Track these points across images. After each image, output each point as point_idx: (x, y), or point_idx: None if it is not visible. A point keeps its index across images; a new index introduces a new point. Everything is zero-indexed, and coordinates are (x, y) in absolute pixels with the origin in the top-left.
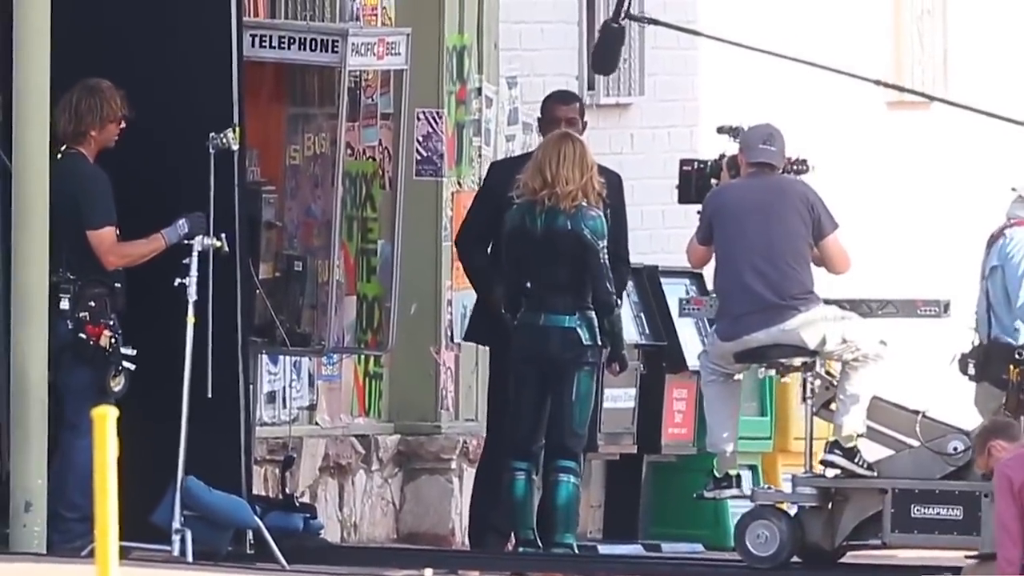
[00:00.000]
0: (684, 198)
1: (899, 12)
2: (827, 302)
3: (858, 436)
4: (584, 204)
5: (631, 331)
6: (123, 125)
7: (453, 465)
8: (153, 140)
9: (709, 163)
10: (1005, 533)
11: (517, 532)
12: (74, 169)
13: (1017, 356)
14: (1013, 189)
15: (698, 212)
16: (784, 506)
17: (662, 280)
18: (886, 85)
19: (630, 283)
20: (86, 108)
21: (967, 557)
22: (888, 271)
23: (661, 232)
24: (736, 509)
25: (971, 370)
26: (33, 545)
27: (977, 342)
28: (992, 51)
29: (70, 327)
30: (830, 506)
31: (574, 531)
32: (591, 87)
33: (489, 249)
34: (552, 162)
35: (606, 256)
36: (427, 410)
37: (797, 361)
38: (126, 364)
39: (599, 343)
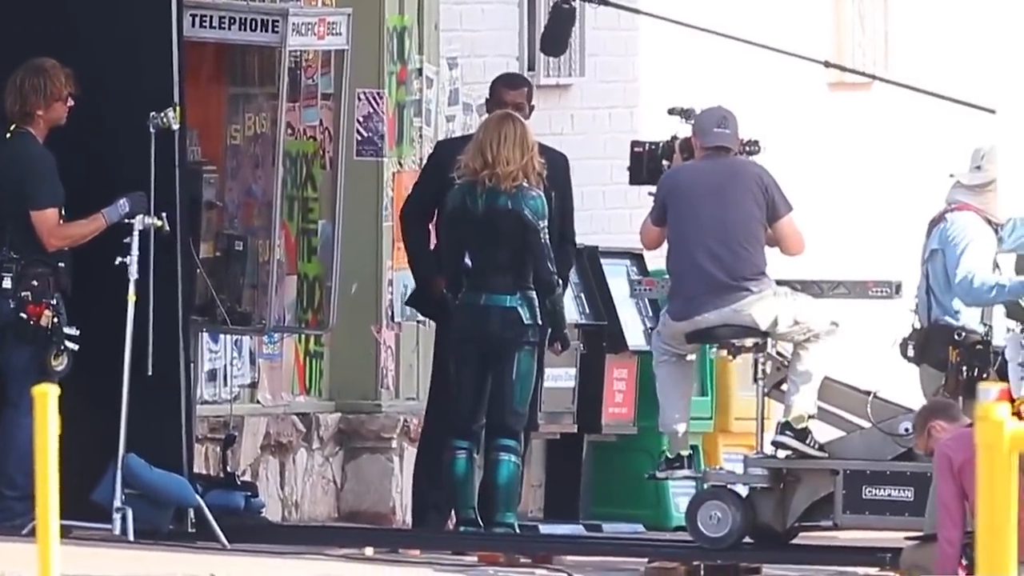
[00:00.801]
0: (635, 179)
1: None
2: (779, 283)
3: (809, 417)
4: (525, 184)
5: (572, 311)
6: (71, 103)
7: (394, 444)
8: (94, 119)
9: (661, 144)
10: (945, 513)
11: (458, 511)
12: (21, 150)
13: (956, 337)
14: (952, 175)
15: (650, 194)
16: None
17: (602, 260)
18: (833, 66)
19: None
20: (30, 87)
21: (907, 539)
22: (836, 251)
23: (601, 212)
24: (677, 489)
25: (911, 352)
26: None
27: (918, 325)
28: (933, 32)
29: (12, 306)
30: (782, 487)
31: (515, 510)
32: (531, 67)
33: (431, 226)
34: (493, 143)
35: (547, 236)
36: (368, 389)
37: (749, 342)
38: (68, 344)
39: (540, 323)
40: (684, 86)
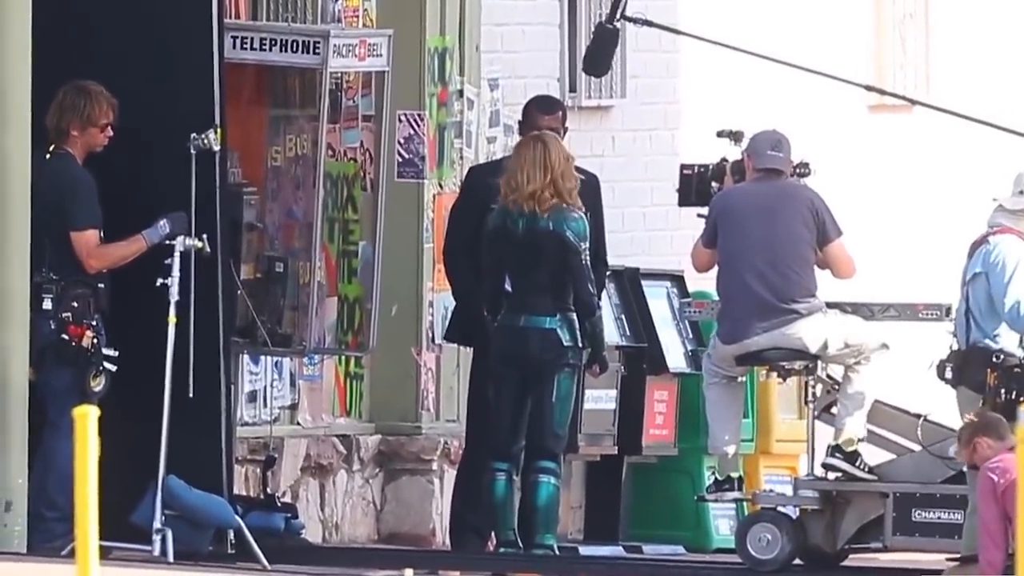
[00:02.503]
0: (684, 201)
1: (881, 15)
2: (829, 305)
3: (859, 440)
4: (564, 205)
5: (612, 333)
6: (110, 133)
7: (434, 466)
8: (135, 141)
9: (710, 167)
10: (988, 535)
11: (497, 533)
12: (61, 170)
13: (994, 360)
14: (994, 199)
15: (699, 215)
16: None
17: (643, 282)
18: (875, 91)
19: (611, 285)
20: (69, 104)
21: (948, 559)
22: (884, 273)
23: (642, 234)
24: (717, 511)
25: (948, 374)
26: (14, 545)
27: (955, 347)
28: (973, 54)
29: (52, 327)
30: (832, 509)
31: (554, 532)
32: (572, 89)
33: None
34: (516, 168)
35: (588, 258)
36: (408, 411)
37: (799, 364)
38: (107, 365)
39: (580, 344)
40: (725, 108)
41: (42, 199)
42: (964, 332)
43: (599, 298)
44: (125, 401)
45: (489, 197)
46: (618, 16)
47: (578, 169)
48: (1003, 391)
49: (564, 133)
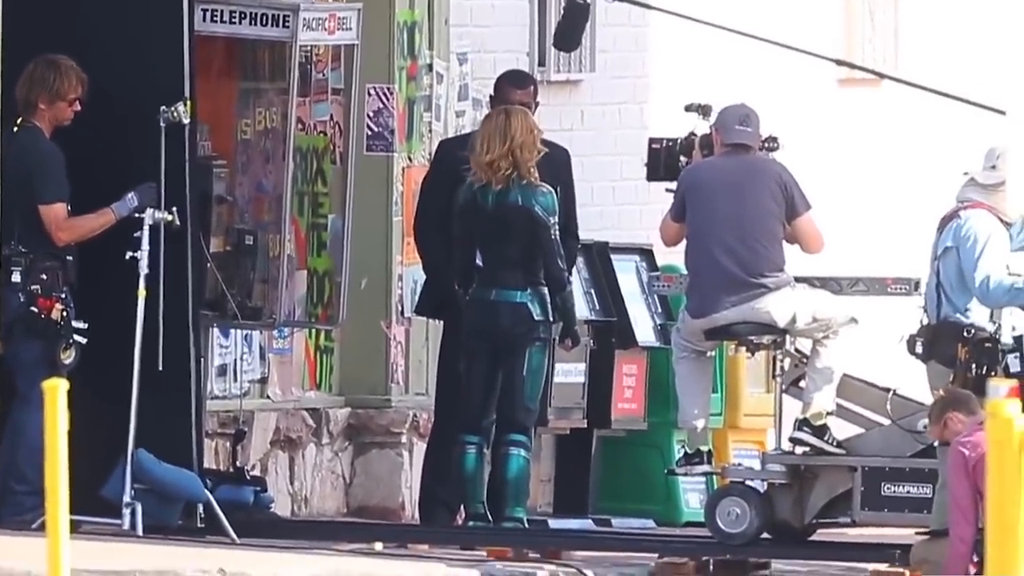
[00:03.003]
0: (652, 176)
1: None
2: (798, 279)
3: (828, 414)
4: (532, 179)
5: (581, 307)
6: (77, 107)
7: (403, 439)
8: (104, 113)
9: (678, 141)
10: (958, 510)
11: (467, 506)
12: (29, 143)
13: (965, 335)
14: (965, 173)
15: (668, 190)
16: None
17: (612, 256)
18: (845, 65)
19: (580, 259)
20: (39, 77)
21: (917, 534)
22: (853, 248)
23: (611, 208)
24: (687, 485)
25: (919, 349)
26: None
27: (925, 321)
28: (943, 28)
29: (21, 300)
30: (800, 483)
31: (524, 505)
32: (542, 63)
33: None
34: (482, 137)
35: (557, 232)
36: (377, 384)
37: (767, 339)
38: (77, 337)
39: (550, 318)
40: (694, 82)
41: (10, 173)
42: (935, 306)
43: (570, 272)
44: (95, 374)
45: (459, 170)
46: None
47: (548, 143)
48: (974, 365)
49: (536, 108)
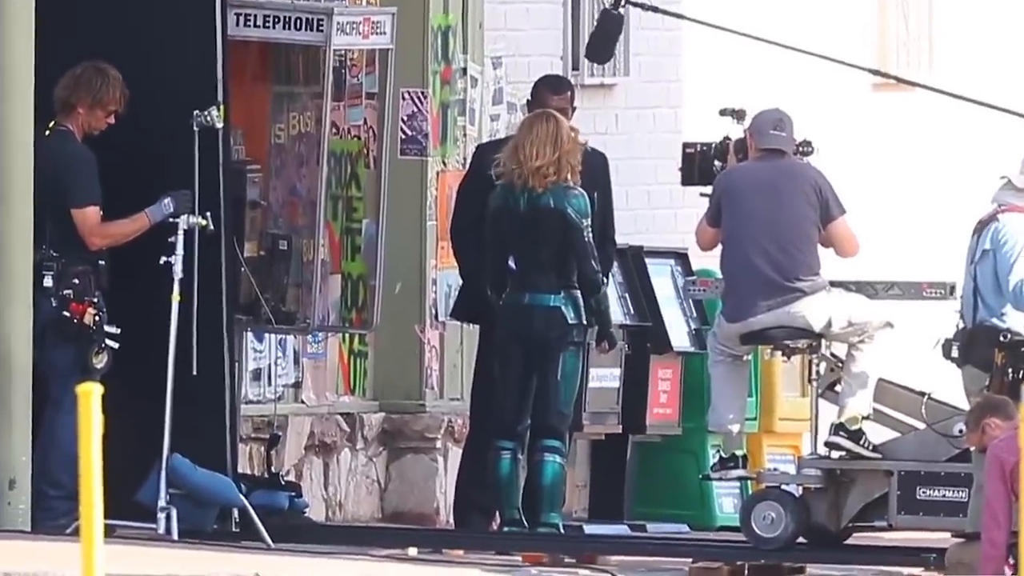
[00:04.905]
0: (687, 180)
1: None
2: (833, 284)
3: (863, 418)
4: (564, 183)
5: (616, 311)
6: (112, 120)
7: (438, 444)
8: (138, 118)
9: (713, 145)
10: (991, 516)
11: (502, 512)
12: (61, 147)
13: (1002, 339)
14: (1002, 177)
15: (702, 194)
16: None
17: (647, 260)
18: (880, 74)
19: (615, 263)
20: (85, 81)
21: (952, 537)
22: (889, 252)
23: (646, 212)
24: (721, 490)
25: (955, 353)
26: (18, 523)
27: (961, 326)
28: (977, 33)
29: (54, 304)
30: (835, 488)
31: (559, 511)
32: (575, 67)
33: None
34: (525, 141)
35: (590, 235)
36: (412, 389)
37: (803, 343)
38: (109, 342)
39: (584, 322)
40: (728, 86)
41: (42, 176)
42: (971, 310)
43: (608, 276)
44: (129, 379)
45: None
46: (623, 2)
47: (587, 148)
48: (1010, 370)
49: (572, 113)
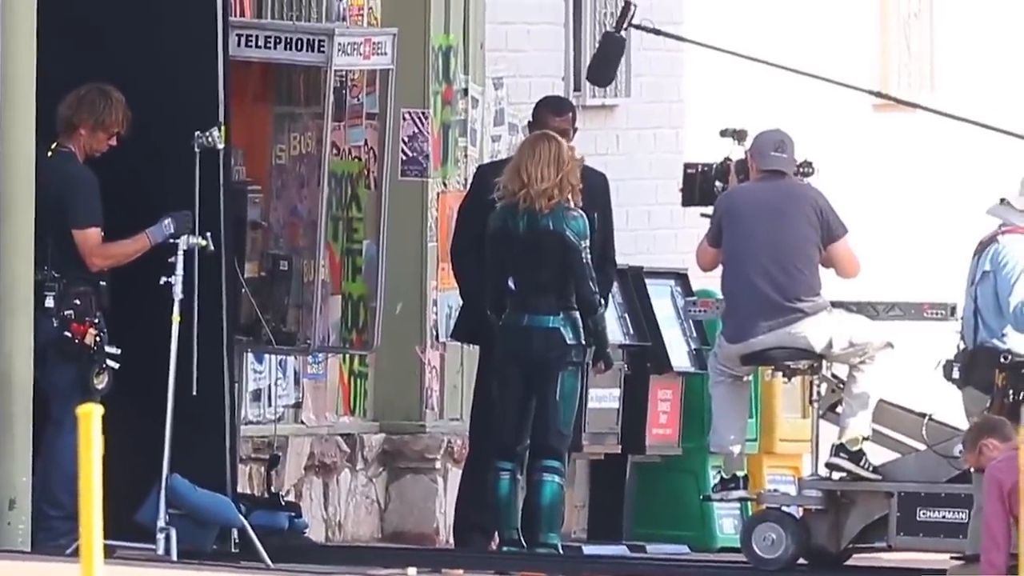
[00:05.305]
0: (687, 201)
1: (886, 15)
2: (834, 304)
3: (864, 439)
4: (564, 204)
5: (616, 331)
6: (114, 142)
7: (438, 464)
8: (139, 138)
9: (713, 166)
10: (990, 537)
11: (501, 532)
12: (63, 168)
13: (1003, 360)
14: (1002, 200)
15: (703, 215)
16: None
17: (647, 281)
18: (883, 96)
19: (615, 284)
20: (88, 102)
21: (952, 558)
22: (889, 273)
23: (646, 233)
24: (721, 511)
25: (956, 374)
26: (17, 543)
27: (962, 347)
28: (978, 54)
29: (55, 325)
30: (836, 509)
31: (558, 531)
32: (577, 88)
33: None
34: (528, 162)
35: (588, 256)
36: (412, 409)
37: (803, 364)
38: (110, 362)
39: (583, 343)
40: (729, 107)
41: (43, 197)
42: (972, 332)
43: (607, 297)
44: (129, 400)
45: (496, 196)
46: (625, 25)
47: (587, 168)
48: (1011, 391)
49: (574, 134)
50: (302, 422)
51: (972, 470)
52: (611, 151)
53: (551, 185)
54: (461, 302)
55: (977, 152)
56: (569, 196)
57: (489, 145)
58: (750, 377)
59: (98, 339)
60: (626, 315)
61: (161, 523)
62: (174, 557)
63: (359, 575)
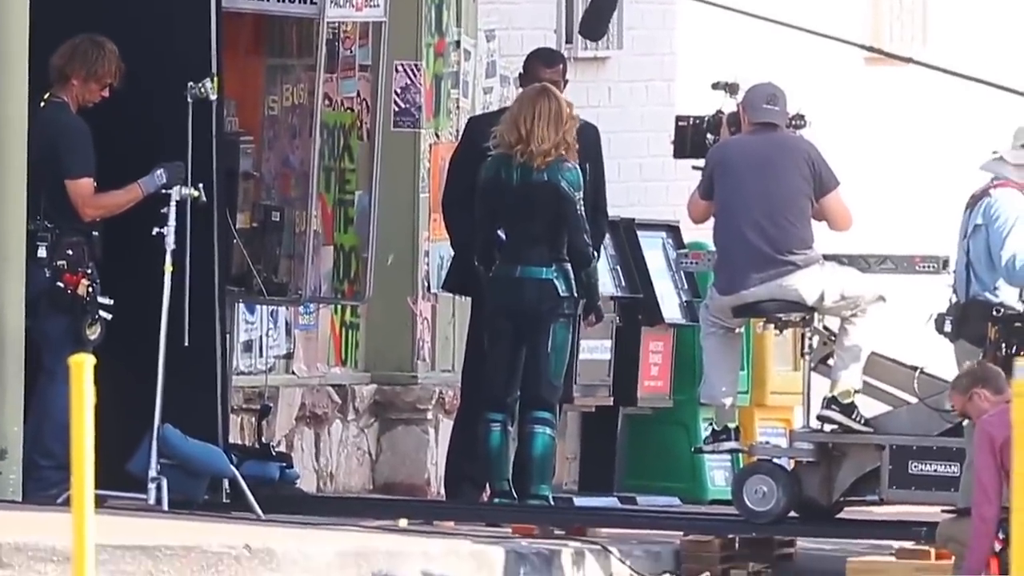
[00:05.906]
0: (679, 153)
1: None
2: (826, 257)
3: (855, 392)
4: (560, 157)
5: (607, 284)
6: (106, 94)
7: (429, 415)
8: (132, 89)
9: (705, 119)
10: (982, 491)
11: (492, 483)
12: (56, 118)
13: (995, 313)
14: (995, 152)
15: (695, 167)
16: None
17: (639, 233)
18: (875, 51)
19: (607, 236)
20: (81, 53)
21: (943, 511)
22: (881, 226)
23: (638, 185)
24: (713, 463)
25: (947, 328)
26: (9, 493)
27: (954, 300)
28: (971, 7)
29: (47, 275)
30: (827, 461)
31: (549, 483)
32: (569, 40)
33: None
34: (528, 118)
35: (583, 208)
36: (404, 360)
37: (795, 316)
38: (103, 313)
39: (575, 295)
40: (722, 60)
41: (36, 147)
42: (964, 285)
43: (599, 249)
44: (121, 350)
45: (488, 147)
46: None
47: (579, 121)
48: (1003, 345)
49: (564, 86)
50: (293, 373)
51: (965, 422)
52: (603, 103)
53: (551, 146)
54: (452, 253)
55: (969, 106)
56: (564, 151)
57: (481, 97)
58: (742, 329)
59: (91, 289)
60: (618, 267)
61: (152, 473)
62: (165, 507)
63: (350, 526)
